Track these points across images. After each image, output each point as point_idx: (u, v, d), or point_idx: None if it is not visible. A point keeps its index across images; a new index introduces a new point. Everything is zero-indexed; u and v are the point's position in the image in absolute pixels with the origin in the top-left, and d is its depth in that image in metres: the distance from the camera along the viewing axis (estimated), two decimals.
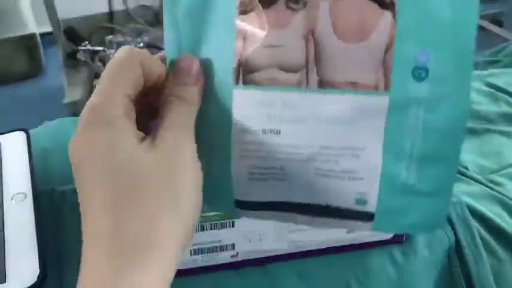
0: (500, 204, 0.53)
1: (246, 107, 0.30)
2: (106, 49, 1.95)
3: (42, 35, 2.48)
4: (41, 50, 2.43)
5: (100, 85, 0.28)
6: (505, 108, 0.70)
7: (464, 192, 0.53)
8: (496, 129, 0.67)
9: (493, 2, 2.83)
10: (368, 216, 0.31)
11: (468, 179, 0.56)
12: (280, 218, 0.33)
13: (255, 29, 0.29)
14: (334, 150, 0.30)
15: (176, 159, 0.28)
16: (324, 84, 0.29)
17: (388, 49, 0.28)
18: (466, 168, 0.58)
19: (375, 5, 0.28)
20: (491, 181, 0.57)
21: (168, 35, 0.30)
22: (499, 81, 0.76)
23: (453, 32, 0.28)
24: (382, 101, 0.28)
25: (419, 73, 0.28)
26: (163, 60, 0.31)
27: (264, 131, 0.30)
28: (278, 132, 0.30)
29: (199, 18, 0.30)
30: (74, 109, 1.83)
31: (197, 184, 0.29)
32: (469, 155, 0.62)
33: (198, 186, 0.29)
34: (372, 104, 0.29)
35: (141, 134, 0.28)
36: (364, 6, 0.28)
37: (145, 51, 0.30)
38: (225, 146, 0.30)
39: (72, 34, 2.09)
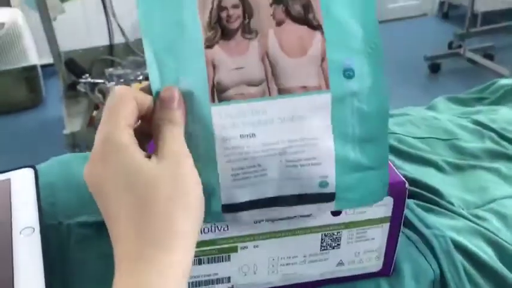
0: (483, 239, 0.56)
1: (224, 119, 0.36)
2: (106, 81, 1.99)
3: (43, 66, 2.53)
4: (42, 81, 2.48)
5: (106, 119, 0.34)
6: (490, 145, 0.73)
7: (448, 226, 0.56)
8: (481, 165, 0.69)
9: (484, 36, 2.90)
10: (330, 196, 0.39)
11: (453, 214, 0.58)
12: (266, 215, 0.39)
13: (221, 57, 0.37)
14: (299, 142, 0.37)
15: (179, 169, 0.34)
16: (282, 91, 0.37)
17: (323, 58, 0.37)
18: (451, 203, 0.60)
19: (307, 28, 0.37)
20: (476, 216, 0.60)
21: (151, 70, 0.36)
22: (485, 119, 0.79)
23: (364, 41, 0.38)
24: (326, 97, 0.37)
25: (348, 73, 0.38)
26: (148, 90, 0.37)
27: (241, 136, 0.37)
28: (253, 135, 0.37)
29: (175, 54, 0.37)
30: (73, 140, 1.86)
31: (199, 184, 0.35)
32: (455, 190, 0.64)
33: (199, 184, 0.35)
34: (319, 100, 0.37)
35: (146, 153, 0.34)
36: (299, 30, 0.37)
37: (134, 88, 0.37)
38: (211, 155, 0.37)
39: (73, 66, 2.12)
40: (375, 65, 0.38)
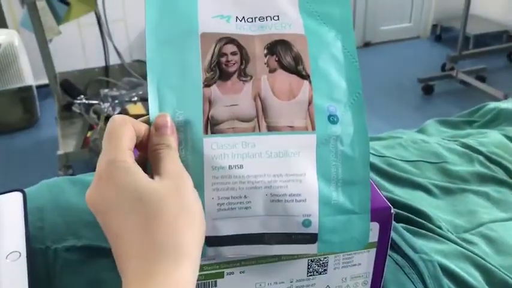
0: (471, 263, 0.56)
1: (215, 150, 0.39)
2: (101, 102, 2.00)
3: (39, 87, 2.54)
4: (37, 101, 2.48)
5: (109, 143, 0.36)
6: (478, 168, 0.74)
7: (436, 250, 0.56)
8: (470, 188, 0.70)
9: (477, 58, 2.94)
10: (313, 238, 0.40)
11: (441, 238, 0.59)
12: (247, 252, 0.39)
13: (217, 95, 0.40)
14: (283, 177, 0.39)
15: (182, 187, 0.36)
16: (271, 129, 0.40)
17: (310, 103, 0.41)
18: (440, 227, 0.61)
19: (297, 77, 0.41)
20: (464, 240, 0.60)
21: (152, 103, 0.39)
22: (474, 142, 0.80)
23: (348, 92, 0.42)
24: (311, 138, 0.40)
25: (333, 119, 0.41)
26: (147, 122, 0.39)
27: (230, 167, 0.38)
28: (241, 167, 0.39)
29: (175, 90, 0.40)
30: (67, 161, 1.86)
31: (199, 202, 0.37)
32: (443, 213, 0.64)
33: (200, 202, 0.37)
34: (305, 140, 0.40)
35: (148, 174, 0.36)
36: (290, 78, 0.41)
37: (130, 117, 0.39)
38: (199, 183, 0.38)
39: (68, 87, 2.13)
40: (358, 113, 0.42)
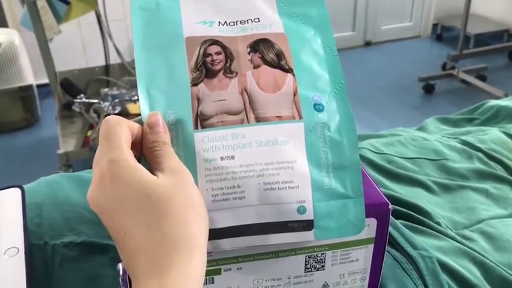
0: (470, 259, 0.56)
1: (206, 143, 0.40)
2: (101, 101, 2.00)
3: (39, 86, 2.54)
4: (38, 100, 2.48)
5: (107, 142, 0.36)
6: (478, 165, 0.74)
7: (435, 247, 0.56)
8: (469, 185, 0.70)
9: (477, 57, 2.94)
10: (309, 224, 0.40)
11: (440, 234, 0.58)
12: (245, 243, 0.39)
13: (204, 92, 0.41)
14: (275, 164, 0.40)
15: (185, 181, 0.36)
16: (259, 120, 0.41)
17: (295, 94, 0.42)
18: (439, 223, 0.61)
19: (280, 71, 0.43)
20: (463, 236, 0.60)
21: (143, 105, 0.41)
22: (474, 139, 0.80)
23: (330, 83, 0.43)
24: (299, 126, 0.41)
25: (318, 107, 0.42)
26: (139, 123, 0.40)
27: (222, 158, 0.39)
28: (233, 157, 0.39)
29: (164, 92, 0.41)
30: (67, 160, 1.86)
31: (201, 195, 0.38)
32: (443, 210, 0.64)
33: (201, 196, 0.38)
34: (293, 128, 0.41)
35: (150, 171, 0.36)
36: (273, 72, 0.43)
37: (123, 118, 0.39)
38: (193, 175, 0.38)
39: (68, 86, 2.13)
40: (342, 101, 0.43)
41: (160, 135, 0.39)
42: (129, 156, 0.36)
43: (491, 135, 0.81)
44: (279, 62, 0.43)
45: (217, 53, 0.43)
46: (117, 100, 2.00)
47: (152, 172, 0.36)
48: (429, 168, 0.73)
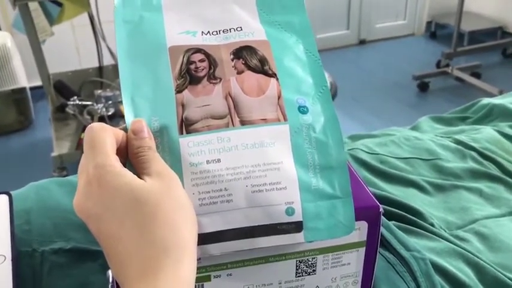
0: (464, 260, 0.55)
1: (191, 148, 0.40)
2: (95, 103, 1.99)
3: (33, 88, 2.52)
4: (31, 103, 2.47)
5: (92, 148, 0.36)
6: (471, 165, 0.73)
7: (429, 248, 0.55)
8: (463, 185, 0.69)
9: (471, 55, 2.94)
10: (298, 226, 0.39)
11: (433, 235, 0.58)
12: (234, 248, 0.39)
13: (189, 98, 0.42)
14: (261, 166, 0.40)
15: (172, 185, 0.36)
16: (244, 123, 0.41)
17: (279, 97, 0.42)
18: (432, 224, 0.60)
19: (264, 76, 0.43)
20: (457, 237, 0.60)
21: (127, 112, 0.41)
22: (467, 138, 0.80)
23: (314, 86, 0.44)
24: (285, 127, 0.41)
25: (303, 109, 0.42)
26: (124, 130, 0.40)
27: (208, 162, 0.39)
28: (219, 160, 0.39)
29: (149, 99, 0.42)
30: (61, 162, 1.85)
31: (189, 198, 0.37)
32: (436, 210, 0.64)
33: (190, 200, 0.37)
34: (279, 130, 0.41)
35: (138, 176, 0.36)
36: (257, 76, 0.43)
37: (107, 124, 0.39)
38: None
39: (62, 88, 2.12)
40: (326, 104, 0.43)
41: (146, 140, 0.38)
42: (116, 161, 0.36)
43: (484, 134, 0.81)
44: (262, 68, 0.43)
45: (201, 60, 0.43)
46: (110, 102, 1.99)
47: (139, 177, 0.36)
48: (422, 168, 0.72)
